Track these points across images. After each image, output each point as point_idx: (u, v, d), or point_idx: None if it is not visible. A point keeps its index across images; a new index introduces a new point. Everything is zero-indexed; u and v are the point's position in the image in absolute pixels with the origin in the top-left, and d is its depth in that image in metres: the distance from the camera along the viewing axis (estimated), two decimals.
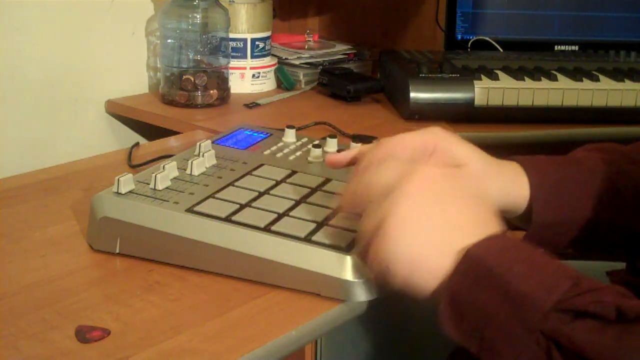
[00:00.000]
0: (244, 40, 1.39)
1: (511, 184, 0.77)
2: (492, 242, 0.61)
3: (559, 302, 0.55)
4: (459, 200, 0.64)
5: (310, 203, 0.79)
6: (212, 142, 0.92)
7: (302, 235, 0.72)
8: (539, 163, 0.79)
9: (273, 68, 1.43)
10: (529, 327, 0.55)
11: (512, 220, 0.80)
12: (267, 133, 0.99)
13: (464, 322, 0.59)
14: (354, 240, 0.71)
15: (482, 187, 0.73)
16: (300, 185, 0.83)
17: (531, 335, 0.55)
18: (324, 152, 0.92)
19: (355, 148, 0.77)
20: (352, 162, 0.75)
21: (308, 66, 1.46)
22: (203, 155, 0.86)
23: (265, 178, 0.84)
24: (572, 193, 0.78)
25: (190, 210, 0.75)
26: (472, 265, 0.59)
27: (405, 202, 0.61)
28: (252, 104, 1.31)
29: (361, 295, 0.69)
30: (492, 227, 0.63)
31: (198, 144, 0.89)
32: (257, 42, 1.40)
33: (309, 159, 0.91)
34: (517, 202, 0.77)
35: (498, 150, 0.79)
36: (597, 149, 0.82)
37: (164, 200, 0.76)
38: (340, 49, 1.55)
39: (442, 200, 0.63)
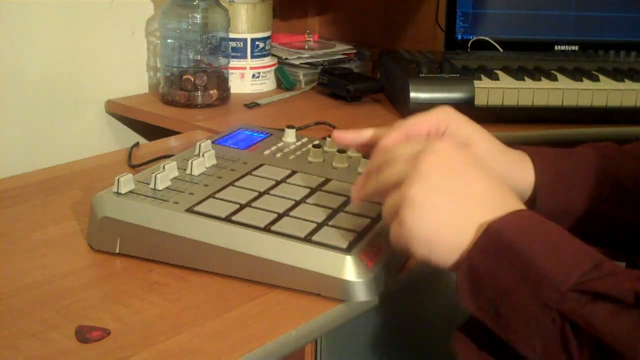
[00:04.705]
0: (244, 40, 1.38)
1: (516, 167, 0.77)
2: (514, 218, 0.60)
3: (578, 283, 0.54)
4: (475, 174, 0.63)
5: (310, 203, 0.79)
6: (212, 142, 0.92)
7: (302, 235, 0.72)
8: (543, 152, 0.79)
9: (273, 68, 1.43)
10: (546, 305, 0.55)
11: None
12: (267, 133, 0.99)
13: (481, 295, 0.59)
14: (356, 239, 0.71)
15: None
16: (300, 185, 0.83)
17: (547, 314, 0.55)
18: (324, 152, 0.92)
19: (369, 129, 0.76)
20: (364, 145, 0.75)
21: (308, 66, 1.46)
22: (203, 155, 0.86)
23: (265, 178, 0.84)
24: (574, 182, 0.78)
25: (190, 210, 0.75)
26: (493, 241, 0.59)
27: (418, 184, 0.61)
28: (252, 104, 1.31)
29: (361, 295, 0.69)
30: (512, 201, 0.63)
31: (198, 144, 0.89)
32: (257, 42, 1.40)
33: (309, 159, 0.91)
34: (522, 187, 0.77)
35: None
36: (595, 146, 0.82)
37: (164, 200, 0.76)
38: (340, 49, 1.55)
39: (458, 174, 0.62)
